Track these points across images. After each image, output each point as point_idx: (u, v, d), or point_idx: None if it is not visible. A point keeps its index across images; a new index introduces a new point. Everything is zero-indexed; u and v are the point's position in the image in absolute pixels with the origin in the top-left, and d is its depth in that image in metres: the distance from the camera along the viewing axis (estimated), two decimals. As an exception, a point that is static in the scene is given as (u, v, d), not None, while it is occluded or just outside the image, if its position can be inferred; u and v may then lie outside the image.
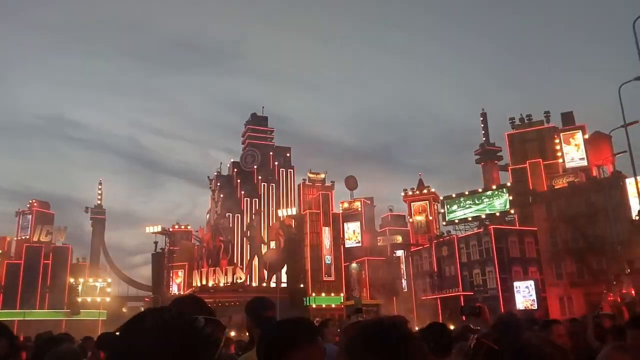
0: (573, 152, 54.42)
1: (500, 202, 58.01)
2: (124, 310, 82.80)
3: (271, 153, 77.92)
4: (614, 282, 40.72)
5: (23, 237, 77.37)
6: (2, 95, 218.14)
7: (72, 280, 75.18)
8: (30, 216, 79.30)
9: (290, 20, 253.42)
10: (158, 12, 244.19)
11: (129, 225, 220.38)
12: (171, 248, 75.91)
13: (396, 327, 1.43)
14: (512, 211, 56.63)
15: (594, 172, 51.57)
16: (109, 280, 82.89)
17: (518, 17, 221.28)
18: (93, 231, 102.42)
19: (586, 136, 54.03)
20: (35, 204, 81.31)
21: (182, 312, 1.31)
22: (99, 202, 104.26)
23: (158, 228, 77.30)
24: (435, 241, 57.80)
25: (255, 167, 76.36)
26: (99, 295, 76.58)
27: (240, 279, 65.08)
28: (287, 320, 2.13)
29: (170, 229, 78.10)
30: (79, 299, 74.29)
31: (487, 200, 58.93)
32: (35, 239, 75.99)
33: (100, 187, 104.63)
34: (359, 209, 72.63)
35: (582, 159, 53.47)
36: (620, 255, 39.10)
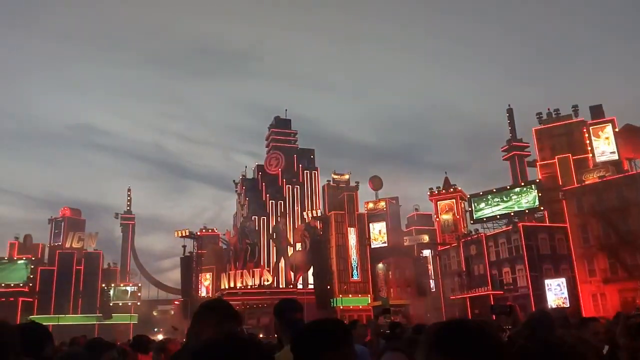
0: (603, 145, 53.05)
1: (529, 199, 56.92)
2: (155, 313, 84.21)
3: (295, 155, 78.26)
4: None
5: (56, 244, 79.35)
6: (30, 105, 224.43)
7: (103, 285, 76.78)
8: (62, 223, 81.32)
9: (308, 22, 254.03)
10: (178, 19, 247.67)
11: (157, 230, 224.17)
12: (199, 252, 76.80)
13: (478, 333, 1.31)
14: (542, 208, 55.50)
15: (626, 166, 50.21)
16: (139, 284, 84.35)
17: (542, 10, 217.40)
18: (123, 236, 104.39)
19: (616, 129, 52.63)
20: (66, 211, 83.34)
21: (262, 348, 1.34)
22: (128, 208, 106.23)
23: (186, 232, 78.34)
24: (462, 240, 57.10)
25: (279, 169, 76.76)
26: (130, 300, 77.98)
27: (267, 281, 65.45)
28: (320, 322, 2.19)
29: (198, 233, 79.04)
30: (111, 304, 75.80)
31: (515, 197, 57.88)
32: (67, 245, 77.84)
33: (129, 193, 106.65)
34: (385, 209, 72.26)
35: (613, 152, 52.09)
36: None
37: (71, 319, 69.10)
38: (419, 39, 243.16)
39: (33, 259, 75.42)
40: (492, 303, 48.20)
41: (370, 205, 73.67)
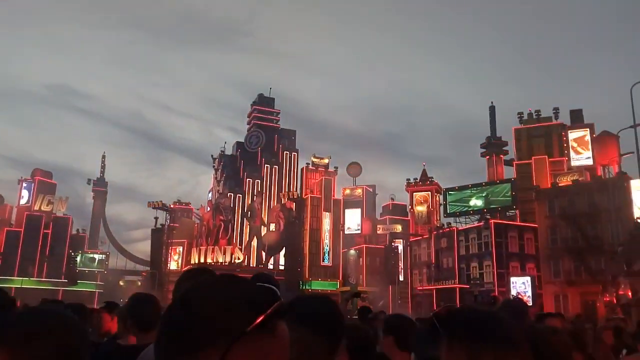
0: (579, 150, 54.00)
1: (503, 197, 57.76)
2: (121, 283, 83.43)
3: (276, 135, 77.73)
4: (611, 283, 40.72)
5: (24, 205, 77.69)
6: (8, 62, 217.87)
7: (71, 251, 75.60)
8: (32, 185, 79.56)
9: (302, 2, 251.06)
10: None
11: (130, 199, 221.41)
12: (171, 225, 76.08)
13: (502, 320, 1.27)
14: (514, 206, 56.38)
15: (599, 172, 51.22)
16: (108, 252, 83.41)
17: (531, 10, 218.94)
18: (94, 203, 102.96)
19: (594, 135, 53.55)
20: (37, 173, 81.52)
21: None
22: (101, 174, 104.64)
23: (159, 204, 77.37)
24: (434, 232, 57.77)
25: (259, 148, 76.22)
26: (97, 268, 77.07)
27: (239, 259, 65.36)
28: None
29: (171, 206, 78.23)
30: (77, 270, 74.73)
31: (489, 194, 58.68)
32: (36, 207, 76.25)
33: (103, 159, 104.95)
34: (361, 196, 72.59)
35: (588, 158, 53.07)
36: (619, 256, 38.95)
37: (35, 283, 67.99)
38: (410, 30, 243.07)
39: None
40: (458, 296, 49.13)
41: (347, 191, 73.89)
